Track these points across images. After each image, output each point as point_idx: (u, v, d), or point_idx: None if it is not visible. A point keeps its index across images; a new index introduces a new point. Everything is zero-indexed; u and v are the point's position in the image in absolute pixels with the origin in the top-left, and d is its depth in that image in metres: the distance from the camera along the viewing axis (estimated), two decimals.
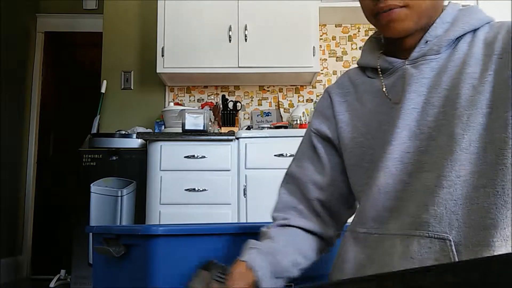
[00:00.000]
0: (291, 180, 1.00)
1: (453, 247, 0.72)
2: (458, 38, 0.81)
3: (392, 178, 0.80)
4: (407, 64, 0.83)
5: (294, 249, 0.92)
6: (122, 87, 3.53)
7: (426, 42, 0.82)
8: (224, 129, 3.06)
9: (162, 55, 3.13)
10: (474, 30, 0.81)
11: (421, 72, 0.81)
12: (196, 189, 2.70)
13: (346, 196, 0.95)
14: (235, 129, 3.09)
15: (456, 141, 0.74)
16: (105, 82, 3.49)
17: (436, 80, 0.80)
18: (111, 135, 3.01)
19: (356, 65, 0.98)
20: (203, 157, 2.73)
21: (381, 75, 0.88)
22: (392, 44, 0.88)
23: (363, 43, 0.98)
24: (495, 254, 0.69)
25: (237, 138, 2.79)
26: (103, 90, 3.46)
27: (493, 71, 0.75)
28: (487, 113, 0.73)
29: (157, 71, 3.16)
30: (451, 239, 0.72)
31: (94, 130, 3.26)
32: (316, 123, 0.99)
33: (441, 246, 0.72)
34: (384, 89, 0.87)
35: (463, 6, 0.86)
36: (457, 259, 0.71)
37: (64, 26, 4.24)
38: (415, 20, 0.80)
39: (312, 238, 0.95)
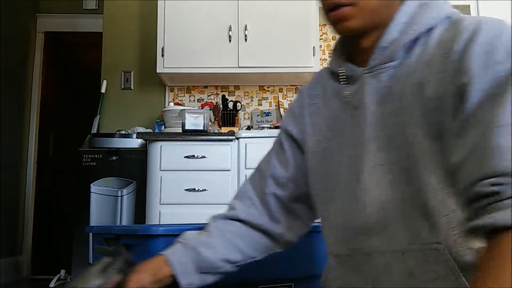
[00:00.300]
0: (256, 172, 1.01)
1: (448, 255, 0.69)
2: (415, 39, 0.76)
3: (367, 192, 0.77)
4: (366, 73, 0.80)
5: (228, 245, 0.91)
6: (122, 87, 3.53)
7: (382, 48, 0.77)
8: (224, 129, 3.06)
9: (162, 55, 3.13)
10: (431, 29, 0.75)
11: (378, 81, 0.78)
12: (196, 189, 2.70)
13: (307, 196, 0.94)
14: (235, 129, 3.08)
15: (408, 150, 0.72)
16: (105, 82, 3.49)
17: (390, 89, 0.76)
18: (111, 135, 3.01)
19: (327, 67, 0.96)
20: (203, 157, 2.73)
21: (344, 81, 0.86)
22: (351, 45, 0.85)
23: (333, 46, 0.94)
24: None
25: (237, 138, 2.79)
26: (103, 90, 3.46)
27: (441, 73, 0.70)
28: (441, 121, 0.69)
29: (157, 71, 3.16)
30: (444, 247, 0.69)
31: (94, 130, 3.26)
32: (285, 121, 1.00)
33: (436, 257, 0.70)
34: (346, 97, 0.85)
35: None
36: (455, 265, 0.69)
37: (64, 26, 4.24)
38: (363, 19, 0.76)
39: (256, 234, 0.95)
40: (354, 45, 0.84)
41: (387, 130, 0.76)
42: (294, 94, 3.52)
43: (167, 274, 0.85)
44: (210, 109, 3.18)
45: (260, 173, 0.99)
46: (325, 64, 3.66)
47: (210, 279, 0.90)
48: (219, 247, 0.90)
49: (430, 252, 0.70)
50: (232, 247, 0.92)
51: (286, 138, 0.98)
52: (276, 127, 3.05)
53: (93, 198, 2.84)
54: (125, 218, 2.82)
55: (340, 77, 0.85)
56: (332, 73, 0.90)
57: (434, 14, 0.75)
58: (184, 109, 2.87)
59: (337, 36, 0.90)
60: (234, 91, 3.53)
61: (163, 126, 3.20)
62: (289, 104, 3.50)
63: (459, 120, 0.65)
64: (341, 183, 0.83)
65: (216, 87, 3.52)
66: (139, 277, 0.83)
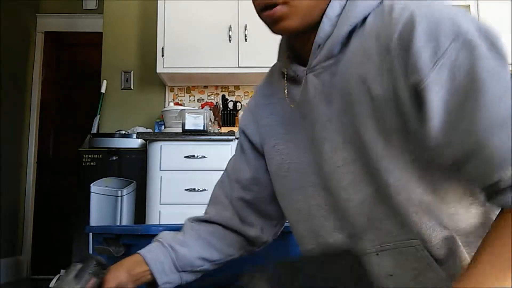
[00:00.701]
0: (224, 175, 1.01)
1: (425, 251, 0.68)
2: (350, 32, 0.71)
3: (328, 196, 0.76)
4: (308, 73, 0.76)
5: (205, 243, 0.91)
6: (122, 87, 3.53)
7: (318, 46, 0.74)
8: (224, 129, 3.06)
9: (162, 55, 3.13)
10: (365, 19, 0.70)
11: (320, 80, 0.75)
12: (196, 189, 2.70)
13: (274, 196, 0.91)
14: (235, 129, 3.08)
15: (374, 149, 0.69)
16: (105, 82, 3.49)
17: (333, 87, 0.73)
18: (111, 135, 3.01)
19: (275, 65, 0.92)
20: (203, 157, 2.73)
21: (287, 82, 0.83)
22: (293, 45, 0.82)
23: (280, 42, 0.91)
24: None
25: (237, 138, 2.78)
26: (103, 90, 3.46)
27: (384, 70, 0.66)
28: (394, 120, 0.67)
29: (157, 71, 3.16)
30: (420, 243, 0.68)
31: (94, 130, 3.26)
32: (243, 122, 0.96)
33: (413, 253, 0.69)
34: (286, 92, 0.82)
35: None
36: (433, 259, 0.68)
37: (64, 26, 4.24)
38: (297, 19, 0.72)
39: (231, 234, 0.95)
40: (296, 45, 0.81)
41: (340, 129, 0.72)
42: None
43: (144, 271, 0.85)
44: (210, 109, 3.18)
45: (228, 177, 0.99)
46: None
47: (189, 277, 0.90)
48: (195, 245, 0.90)
49: (406, 250, 0.69)
50: (208, 246, 0.92)
51: (244, 140, 0.96)
52: None
53: (93, 198, 2.84)
54: (125, 218, 2.82)
55: (285, 77, 0.83)
56: (281, 72, 0.86)
57: (360, 6, 0.71)
58: (184, 109, 2.87)
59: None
60: (234, 91, 3.53)
61: (163, 126, 3.20)
62: None
63: (430, 128, 0.62)
64: (303, 186, 0.80)
65: (216, 87, 3.52)
66: (116, 274, 0.82)
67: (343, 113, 0.71)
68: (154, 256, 0.86)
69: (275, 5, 0.71)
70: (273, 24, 0.74)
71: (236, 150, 1.01)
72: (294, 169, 0.82)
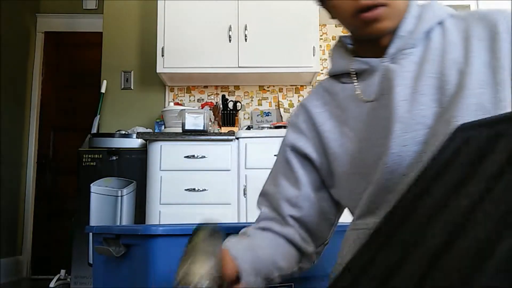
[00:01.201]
0: (265, 199, 0.96)
1: None
2: (429, 31, 0.83)
3: (391, 173, 0.78)
4: (386, 61, 0.83)
5: (275, 250, 0.88)
6: (122, 87, 3.53)
7: (400, 37, 0.82)
8: (224, 129, 3.06)
9: (162, 55, 3.13)
10: (440, 23, 0.84)
11: (402, 66, 0.81)
12: (196, 189, 2.70)
13: (325, 212, 0.92)
14: (235, 129, 3.09)
15: (453, 125, 0.72)
16: (105, 82, 3.49)
17: (419, 71, 0.80)
18: (111, 135, 3.01)
19: (328, 76, 0.96)
20: (203, 157, 2.73)
21: (355, 78, 0.88)
22: (364, 46, 0.87)
23: (331, 53, 0.96)
24: None
25: (237, 138, 2.79)
26: (103, 90, 3.46)
27: (475, 53, 0.77)
28: (479, 93, 0.74)
29: (157, 71, 3.16)
30: None
31: (94, 130, 3.26)
32: (291, 138, 0.95)
33: None
34: (357, 91, 0.86)
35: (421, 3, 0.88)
36: None
37: (64, 26, 4.24)
38: (395, 19, 0.81)
39: (293, 248, 0.91)
40: (368, 46, 0.86)
41: (423, 109, 0.78)
42: (294, 94, 3.52)
43: (233, 269, 0.80)
44: (210, 109, 3.18)
45: (271, 199, 0.95)
46: (325, 64, 3.64)
47: (259, 283, 0.84)
48: (269, 251, 0.87)
49: None
50: (278, 253, 0.88)
51: (294, 156, 0.94)
52: (276, 127, 3.05)
53: (93, 198, 2.84)
54: (125, 218, 2.82)
55: (352, 74, 0.88)
56: (337, 77, 0.92)
57: (439, 11, 0.84)
58: (184, 109, 2.87)
59: (338, 39, 0.93)
60: (234, 91, 3.53)
61: (163, 126, 3.20)
62: (289, 104, 3.50)
63: None
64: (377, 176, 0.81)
65: (216, 87, 3.53)
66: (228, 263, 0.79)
67: (419, 94, 0.79)
68: (241, 256, 0.81)
69: (375, 6, 0.78)
70: (370, 23, 0.80)
71: (277, 171, 0.97)
72: (368, 162, 0.82)
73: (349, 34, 0.91)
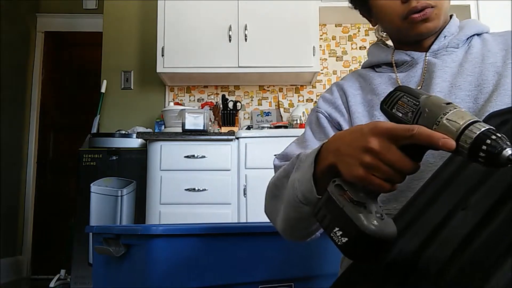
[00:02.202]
0: (286, 158, 0.92)
1: None
2: (469, 38, 0.90)
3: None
4: (429, 56, 0.90)
5: None
6: (122, 87, 3.53)
7: (445, 37, 0.90)
8: (224, 129, 3.06)
9: (162, 55, 3.13)
10: (479, 35, 0.91)
11: (443, 62, 0.87)
12: (196, 189, 2.70)
13: None
14: (235, 129, 3.09)
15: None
16: (105, 82, 3.49)
17: (459, 69, 0.86)
18: (111, 135, 3.01)
19: (362, 68, 1.00)
20: (203, 157, 2.73)
21: (396, 68, 0.93)
22: (407, 46, 0.93)
23: (368, 47, 1.00)
24: None
25: (237, 138, 2.79)
26: (103, 90, 3.46)
27: None
28: None
29: (157, 71, 3.16)
30: None
31: (94, 130, 3.26)
32: (325, 107, 0.95)
33: None
34: (399, 81, 0.90)
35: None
36: None
37: (64, 26, 4.24)
38: (441, 20, 0.87)
39: None
40: (411, 46, 0.92)
41: (458, 102, 0.82)
42: (294, 94, 3.52)
43: None
44: (210, 109, 3.18)
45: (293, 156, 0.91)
46: (325, 64, 3.63)
47: None
48: None
49: None
50: None
51: (328, 123, 0.93)
52: (276, 127, 3.05)
53: (93, 198, 2.84)
54: (125, 218, 2.82)
55: (395, 63, 0.93)
56: (373, 67, 0.97)
57: (479, 24, 0.93)
58: (184, 109, 2.87)
59: (379, 35, 1.00)
60: (234, 91, 3.53)
61: (163, 126, 3.20)
62: (289, 104, 3.50)
63: None
64: None
65: (216, 87, 3.53)
66: None
67: (456, 88, 0.83)
68: None
69: (424, 8, 0.84)
70: (420, 24, 0.86)
71: (308, 135, 0.94)
72: None
73: (383, 36, 0.98)
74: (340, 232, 0.56)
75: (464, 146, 0.50)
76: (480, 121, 0.51)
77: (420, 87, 0.87)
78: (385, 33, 1.01)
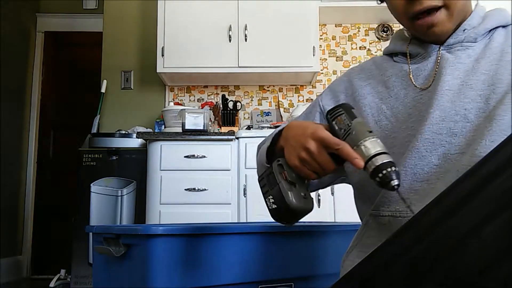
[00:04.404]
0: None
1: None
2: (491, 31, 0.84)
3: (421, 159, 0.79)
4: (442, 50, 0.85)
5: None
6: (122, 87, 3.53)
7: (464, 30, 0.84)
8: (224, 129, 3.06)
9: (162, 55, 3.13)
10: (504, 26, 0.85)
11: (457, 57, 0.83)
12: (196, 189, 2.70)
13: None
14: (235, 129, 3.09)
15: (497, 123, 0.73)
16: (105, 82, 3.49)
17: (474, 66, 0.81)
18: (111, 135, 3.01)
19: (383, 54, 0.98)
20: (203, 157, 2.73)
21: (409, 59, 0.90)
22: (424, 37, 0.90)
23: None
24: None
25: (237, 138, 2.79)
26: (103, 90, 3.46)
27: None
28: None
29: (157, 71, 3.16)
30: None
31: (94, 130, 3.26)
32: (326, 99, 0.98)
33: None
34: (410, 74, 0.88)
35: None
36: None
37: (64, 26, 4.24)
38: (453, 21, 0.83)
39: None
40: (428, 38, 0.88)
41: (467, 102, 0.79)
42: (294, 94, 3.52)
43: None
44: (210, 109, 3.18)
45: None
46: (325, 64, 3.64)
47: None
48: None
49: None
50: None
51: (320, 117, 0.97)
52: (276, 127, 3.05)
53: (93, 198, 2.84)
54: (125, 218, 2.82)
55: (410, 54, 0.90)
56: (391, 55, 0.95)
57: (506, 15, 0.86)
58: (184, 109, 2.87)
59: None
60: (234, 91, 3.53)
61: (163, 126, 3.20)
62: (289, 103, 3.50)
63: None
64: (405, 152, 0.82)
65: (216, 87, 3.53)
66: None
67: (467, 87, 0.80)
68: None
69: (434, 10, 0.80)
70: (427, 29, 0.83)
71: (304, 113, 1.01)
72: (399, 143, 0.83)
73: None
74: (273, 200, 0.75)
75: (369, 169, 0.68)
76: (387, 153, 0.68)
77: (431, 83, 0.83)
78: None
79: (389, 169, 0.67)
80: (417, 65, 0.88)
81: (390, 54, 0.95)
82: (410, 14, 0.82)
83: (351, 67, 1.00)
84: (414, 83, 0.86)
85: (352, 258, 0.87)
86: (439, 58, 0.85)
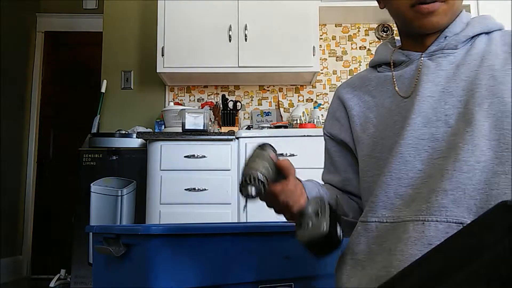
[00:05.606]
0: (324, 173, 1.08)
1: None
2: (474, 37, 0.86)
3: (405, 164, 0.81)
4: (424, 57, 0.87)
5: (344, 202, 0.97)
6: (122, 87, 3.53)
7: (445, 37, 0.86)
8: (224, 129, 3.06)
9: (162, 55, 3.13)
10: (488, 33, 0.87)
11: (438, 64, 0.85)
12: (196, 189, 2.70)
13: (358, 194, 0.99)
14: (235, 128, 3.09)
15: (477, 128, 0.75)
16: (105, 82, 3.49)
17: (454, 72, 0.83)
18: (111, 135, 3.01)
19: (369, 67, 1.01)
20: (203, 157, 2.73)
21: (393, 68, 0.93)
22: (409, 41, 0.92)
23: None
24: None
25: (237, 138, 2.79)
26: (103, 90, 3.46)
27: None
28: (507, 102, 0.75)
29: (157, 71, 3.16)
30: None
31: (94, 130, 3.26)
32: (327, 126, 1.04)
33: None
34: (394, 82, 0.90)
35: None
36: None
37: (64, 26, 4.24)
38: (449, 17, 0.85)
39: (350, 198, 1.00)
40: (415, 41, 0.90)
41: (448, 108, 0.81)
42: (294, 94, 3.52)
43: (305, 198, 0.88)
44: (210, 109, 3.18)
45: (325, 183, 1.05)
46: (325, 64, 3.64)
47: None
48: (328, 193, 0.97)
49: (454, 226, 0.73)
50: (347, 204, 0.98)
51: (332, 143, 1.03)
52: (276, 127, 3.05)
53: (93, 198, 2.84)
54: (125, 218, 2.82)
55: (394, 62, 0.93)
56: (375, 67, 0.98)
57: (489, 22, 0.88)
58: (184, 109, 2.87)
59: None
60: (234, 91, 3.53)
61: (163, 126, 3.20)
62: (289, 103, 3.50)
63: None
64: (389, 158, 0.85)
65: (216, 86, 3.53)
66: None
67: (447, 94, 0.82)
68: (310, 187, 0.91)
69: (434, 1, 0.82)
70: (427, 16, 0.83)
71: (325, 160, 1.06)
72: (386, 149, 0.86)
73: (398, 31, 0.96)
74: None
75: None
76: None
77: (412, 90, 0.85)
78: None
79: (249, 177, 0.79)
80: (400, 72, 0.91)
81: (374, 66, 0.98)
82: (414, 1, 0.83)
83: (339, 85, 1.04)
84: (397, 90, 0.89)
85: (345, 267, 0.88)
86: (420, 65, 0.87)
